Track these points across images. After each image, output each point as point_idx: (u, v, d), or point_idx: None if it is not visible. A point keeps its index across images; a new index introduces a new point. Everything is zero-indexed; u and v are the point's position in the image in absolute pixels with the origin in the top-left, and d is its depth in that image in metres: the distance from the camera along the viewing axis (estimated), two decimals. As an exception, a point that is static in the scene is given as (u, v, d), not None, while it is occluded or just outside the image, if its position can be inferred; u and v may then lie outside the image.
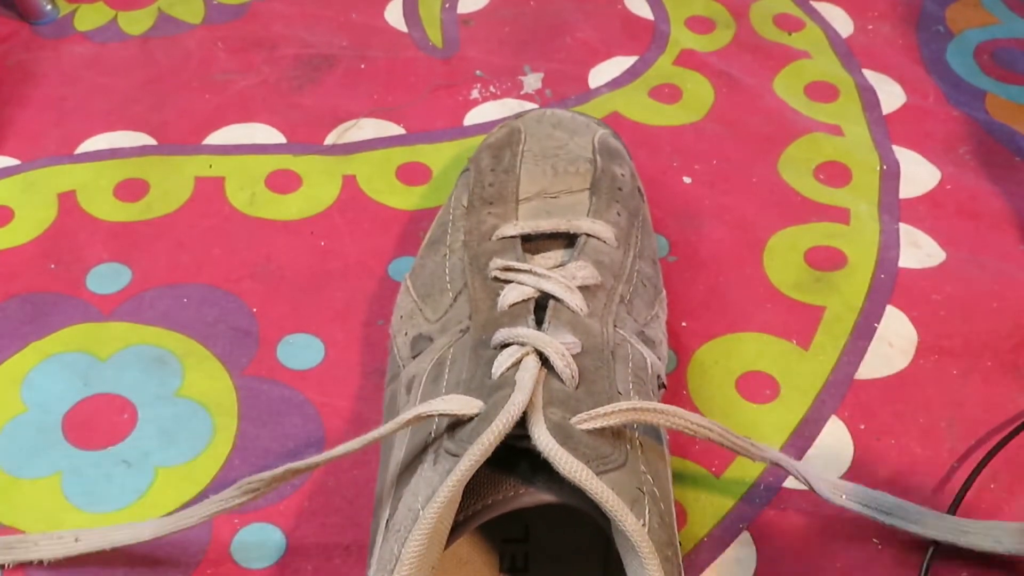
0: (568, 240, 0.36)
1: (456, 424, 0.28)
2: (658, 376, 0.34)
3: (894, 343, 0.42)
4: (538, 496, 0.27)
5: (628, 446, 0.28)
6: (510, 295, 0.33)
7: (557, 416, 0.28)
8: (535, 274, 0.33)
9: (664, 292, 0.39)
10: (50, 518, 0.36)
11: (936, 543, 0.34)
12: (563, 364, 0.29)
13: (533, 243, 0.36)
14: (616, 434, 0.28)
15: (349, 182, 0.49)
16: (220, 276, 0.44)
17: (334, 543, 0.36)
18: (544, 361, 0.30)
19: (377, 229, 0.46)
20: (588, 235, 0.36)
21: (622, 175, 0.40)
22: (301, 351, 0.42)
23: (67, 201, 0.48)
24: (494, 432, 0.26)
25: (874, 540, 0.36)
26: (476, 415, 0.28)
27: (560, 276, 0.33)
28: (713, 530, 0.36)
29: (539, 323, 0.32)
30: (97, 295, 0.44)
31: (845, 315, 0.43)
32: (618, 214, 0.38)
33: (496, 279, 0.34)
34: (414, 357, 0.34)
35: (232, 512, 0.35)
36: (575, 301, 0.32)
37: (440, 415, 0.28)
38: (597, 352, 0.31)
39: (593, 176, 0.39)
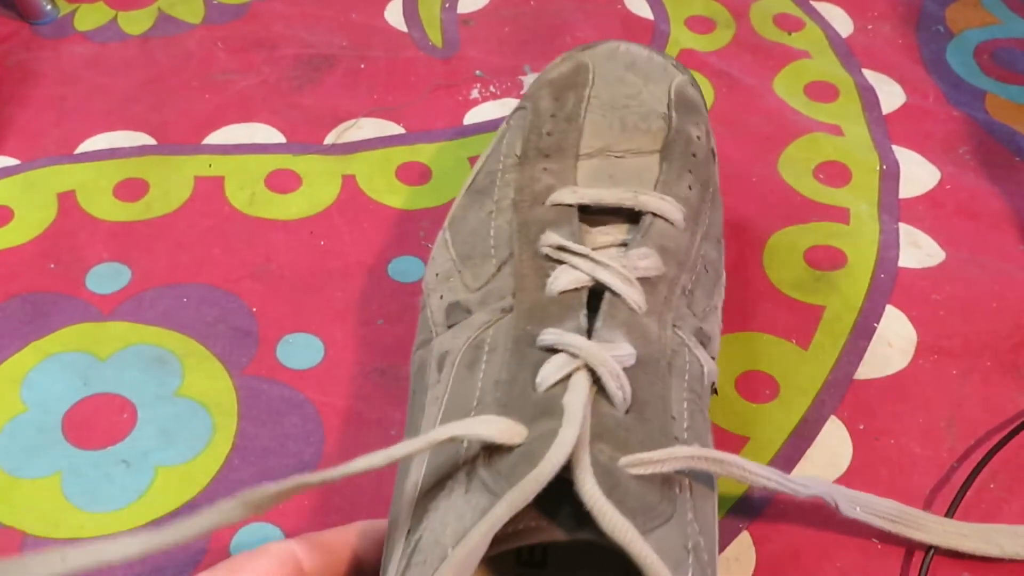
0: (630, 214, 0.33)
1: (494, 449, 0.25)
2: (712, 383, 0.32)
3: (894, 343, 0.42)
4: (567, 532, 0.25)
5: (677, 489, 0.26)
6: (561, 279, 0.29)
7: (605, 456, 0.25)
8: (592, 260, 0.29)
9: (724, 276, 0.36)
10: (50, 518, 0.36)
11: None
12: (615, 386, 0.26)
13: (591, 213, 0.33)
14: (665, 478, 0.26)
15: (349, 182, 0.49)
16: (220, 276, 0.44)
17: (334, 543, 0.36)
18: (595, 378, 0.27)
19: (377, 229, 0.46)
20: (655, 215, 0.32)
21: (698, 137, 0.35)
22: (301, 351, 0.42)
23: (67, 201, 0.48)
24: (537, 480, 0.23)
25: (874, 540, 0.36)
26: (518, 445, 0.25)
27: (620, 266, 0.29)
28: (713, 530, 0.36)
29: (592, 312, 0.29)
30: (97, 295, 0.44)
31: (845, 315, 0.43)
32: (689, 188, 0.34)
33: (548, 257, 0.30)
34: (449, 327, 0.32)
35: (232, 525, 0.33)
36: (634, 296, 0.29)
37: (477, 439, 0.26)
38: (653, 363, 0.28)
39: (666, 137, 0.35)
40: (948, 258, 0.45)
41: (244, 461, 0.38)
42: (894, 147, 0.51)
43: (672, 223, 0.32)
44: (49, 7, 0.58)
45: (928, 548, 0.34)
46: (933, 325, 0.43)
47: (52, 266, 0.45)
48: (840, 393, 0.40)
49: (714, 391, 0.33)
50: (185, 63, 0.55)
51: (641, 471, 0.25)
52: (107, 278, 0.44)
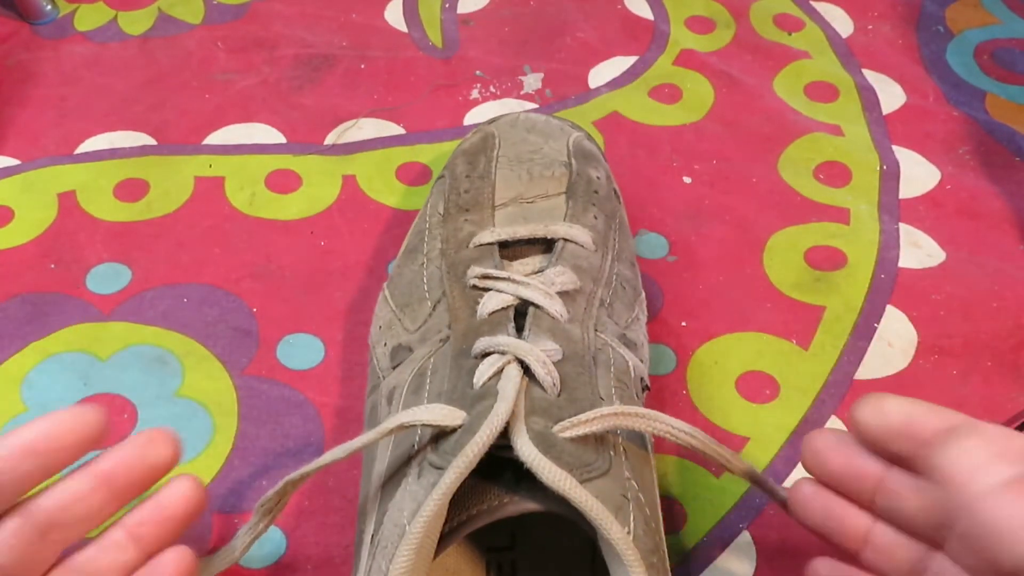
0: (546, 245, 0.36)
1: (439, 435, 0.28)
2: (641, 379, 0.34)
3: (894, 343, 0.42)
4: (523, 505, 0.27)
5: (612, 452, 0.28)
6: (489, 303, 0.32)
7: (539, 425, 0.27)
8: (514, 281, 0.33)
9: (643, 294, 0.39)
10: (50, 518, 0.36)
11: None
12: (544, 372, 0.29)
13: (511, 249, 0.36)
14: (599, 441, 0.28)
15: (349, 182, 0.49)
16: (220, 276, 0.44)
17: (334, 542, 0.36)
18: (526, 369, 0.29)
19: (377, 229, 0.46)
20: (566, 240, 0.35)
21: (597, 178, 0.39)
22: (301, 351, 0.42)
23: (67, 201, 0.48)
24: (478, 444, 0.26)
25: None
26: (459, 426, 0.28)
27: (539, 282, 0.33)
28: (713, 530, 0.36)
29: (520, 330, 0.32)
30: (97, 295, 0.44)
31: (845, 315, 0.43)
32: (595, 217, 0.37)
33: (475, 287, 0.33)
34: (394, 368, 0.34)
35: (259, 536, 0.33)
36: (555, 307, 0.32)
37: (423, 425, 0.28)
38: (578, 358, 0.31)
39: (569, 180, 0.38)
40: (948, 258, 0.45)
41: (244, 461, 0.38)
42: (894, 147, 0.51)
43: (582, 245, 0.35)
44: (49, 7, 0.58)
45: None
46: (933, 325, 0.43)
47: (52, 266, 0.45)
48: (840, 393, 0.40)
49: (646, 387, 0.35)
50: (185, 63, 0.55)
51: (573, 433, 0.27)
52: (107, 278, 0.44)
